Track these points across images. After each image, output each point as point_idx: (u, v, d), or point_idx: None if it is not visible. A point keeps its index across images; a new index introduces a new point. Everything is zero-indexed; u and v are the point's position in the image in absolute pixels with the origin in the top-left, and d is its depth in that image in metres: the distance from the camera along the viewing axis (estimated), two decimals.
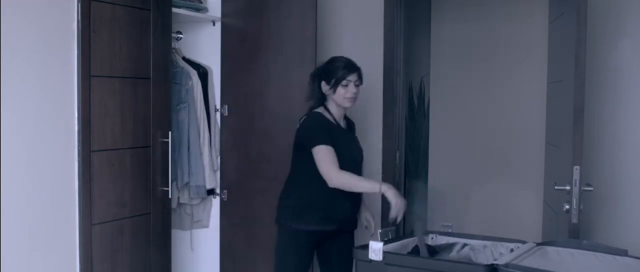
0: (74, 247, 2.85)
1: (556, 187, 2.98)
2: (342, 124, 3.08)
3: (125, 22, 2.98)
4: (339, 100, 2.99)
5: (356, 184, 2.89)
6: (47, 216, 2.76)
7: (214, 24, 3.79)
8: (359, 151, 3.13)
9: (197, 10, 3.64)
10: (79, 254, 2.85)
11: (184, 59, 3.68)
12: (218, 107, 3.82)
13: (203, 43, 3.85)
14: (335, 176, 2.85)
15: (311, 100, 3.05)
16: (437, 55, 5.34)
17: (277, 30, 3.59)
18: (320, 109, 3.02)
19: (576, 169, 2.82)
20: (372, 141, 3.95)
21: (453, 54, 4.98)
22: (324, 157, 2.87)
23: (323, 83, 3.00)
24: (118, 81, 2.97)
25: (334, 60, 3.05)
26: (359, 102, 3.99)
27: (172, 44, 3.45)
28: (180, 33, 3.69)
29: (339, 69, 2.98)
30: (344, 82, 2.96)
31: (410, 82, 4.85)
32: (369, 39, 3.94)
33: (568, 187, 2.87)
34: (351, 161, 3.00)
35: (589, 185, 2.86)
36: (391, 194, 2.80)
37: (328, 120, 3.00)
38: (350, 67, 3.00)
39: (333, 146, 2.89)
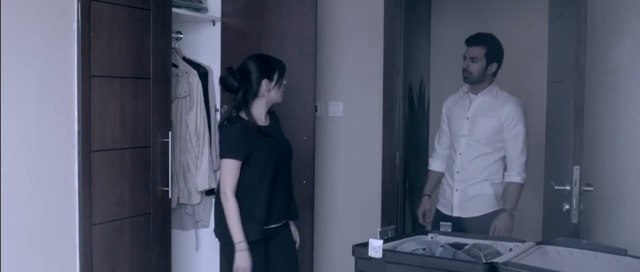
0: (74, 247, 2.85)
1: (556, 187, 2.98)
2: (266, 121, 3.03)
3: (125, 22, 2.98)
4: (277, 96, 2.99)
5: (231, 220, 2.86)
6: (47, 216, 2.76)
7: (214, 24, 3.79)
8: (287, 144, 3.10)
9: (197, 10, 3.64)
10: (79, 254, 2.85)
11: (184, 59, 3.69)
12: (218, 107, 3.82)
13: (203, 43, 3.86)
14: (230, 197, 2.86)
15: (238, 104, 2.96)
16: (437, 55, 5.35)
17: (277, 30, 3.59)
18: (242, 114, 2.95)
19: (576, 169, 2.82)
20: (372, 141, 3.96)
21: (453, 54, 4.98)
22: (229, 173, 2.86)
23: (265, 81, 2.94)
24: (118, 81, 2.97)
25: (263, 58, 3.02)
26: (360, 101, 4.02)
27: (172, 44, 3.45)
28: (180, 33, 3.69)
29: (279, 66, 2.99)
30: (283, 78, 3.00)
31: (410, 82, 4.85)
32: (369, 39, 3.95)
33: (568, 187, 2.87)
34: (281, 157, 3.02)
35: (589, 185, 2.85)
36: (238, 256, 2.84)
37: (249, 124, 2.93)
38: (283, 65, 3.02)
39: (248, 155, 2.88)
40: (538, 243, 2.61)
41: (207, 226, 3.86)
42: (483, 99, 3.40)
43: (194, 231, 3.88)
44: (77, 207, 2.84)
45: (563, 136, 3.14)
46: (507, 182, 3.34)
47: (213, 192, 3.81)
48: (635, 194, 3.28)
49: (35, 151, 2.71)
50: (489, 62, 3.36)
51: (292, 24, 3.54)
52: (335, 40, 3.96)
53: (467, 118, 3.41)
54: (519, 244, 2.60)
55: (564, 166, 3.00)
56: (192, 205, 3.76)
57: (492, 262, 2.31)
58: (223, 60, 3.78)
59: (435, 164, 3.63)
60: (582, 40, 2.84)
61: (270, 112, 3.09)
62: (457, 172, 3.41)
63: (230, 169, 2.87)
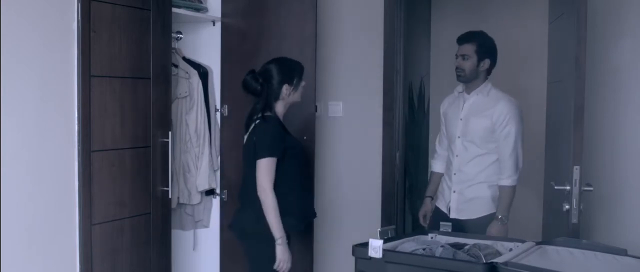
0: (74, 247, 2.85)
1: (556, 187, 2.98)
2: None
3: (125, 22, 2.98)
4: (296, 97, 3.07)
5: (271, 214, 2.91)
6: (47, 216, 2.76)
7: (214, 24, 3.79)
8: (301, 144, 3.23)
9: (197, 10, 3.64)
10: (79, 254, 2.85)
11: (184, 59, 3.69)
12: (218, 107, 3.82)
13: (203, 43, 3.86)
14: (270, 193, 2.89)
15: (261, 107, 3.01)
16: (437, 55, 5.35)
17: (277, 30, 3.59)
18: (273, 114, 3.02)
19: (576, 169, 2.82)
20: (372, 140, 3.96)
21: (453, 54, 4.98)
22: (268, 170, 2.90)
23: (286, 86, 3.01)
24: (118, 81, 2.97)
25: (283, 62, 3.06)
26: (360, 101, 4.02)
27: (172, 44, 3.45)
28: (180, 33, 3.70)
29: (297, 69, 3.05)
30: (303, 81, 3.07)
31: (410, 82, 4.85)
32: (369, 39, 3.95)
33: (568, 187, 2.86)
34: (304, 153, 3.18)
35: (589, 185, 2.85)
36: (280, 250, 2.91)
37: (280, 122, 3.03)
38: (300, 63, 3.08)
39: (284, 151, 2.94)
40: (538, 243, 2.61)
41: (207, 226, 3.87)
42: (476, 99, 3.35)
43: (192, 230, 3.88)
44: (77, 207, 2.84)
45: (563, 136, 3.13)
46: (499, 186, 3.29)
47: (213, 192, 3.82)
48: (635, 194, 3.28)
49: (35, 151, 2.71)
50: (480, 58, 3.32)
51: (292, 24, 3.54)
52: (335, 40, 3.96)
53: (461, 119, 3.38)
54: (519, 244, 2.60)
55: (564, 166, 3.00)
56: (192, 205, 3.76)
57: (492, 262, 2.30)
58: (223, 60, 3.78)
59: (437, 165, 3.60)
60: (582, 40, 2.84)
61: None
62: (455, 174, 3.38)
63: (270, 167, 2.91)
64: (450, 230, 2.83)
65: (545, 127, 3.83)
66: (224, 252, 3.81)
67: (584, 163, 2.87)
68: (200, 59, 3.81)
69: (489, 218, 3.29)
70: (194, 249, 3.90)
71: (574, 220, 2.83)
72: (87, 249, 2.86)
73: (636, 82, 3.28)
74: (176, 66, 3.59)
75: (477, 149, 3.32)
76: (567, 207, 2.86)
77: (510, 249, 2.55)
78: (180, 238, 3.81)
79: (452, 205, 3.38)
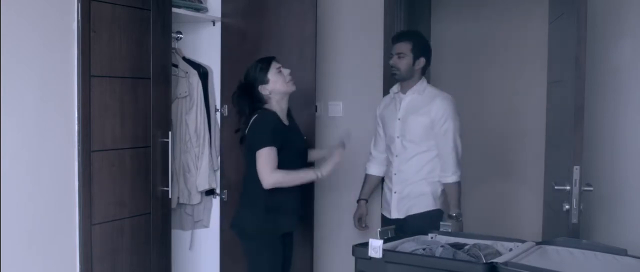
0: (74, 247, 2.85)
1: (556, 187, 2.98)
2: (286, 120, 3.09)
3: (125, 22, 2.98)
4: (284, 86, 3.02)
5: (293, 182, 2.93)
6: (47, 216, 2.76)
7: (214, 24, 3.80)
8: (305, 141, 3.20)
9: (197, 10, 3.64)
10: (79, 254, 2.86)
11: (184, 59, 3.69)
12: (218, 107, 3.82)
13: (203, 43, 3.86)
14: (272, 179, 2.89)
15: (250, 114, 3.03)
16: (437, 55, 5.33)
17: (277, 30, 3.59)
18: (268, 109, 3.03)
19: (576, 169, 2.82)
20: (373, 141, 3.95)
21: (453, 54, 4.99)
22: (268, 161, 2.89)
23: (261, 87, 3.00)
24: (118, 81, 2.97)
25: (249, 68, 3.07)
26: (360, 101, 4.01)
27: (172, 44, 3.45)
28: (180, 33, 3.70)
29: (261, 66, 3.03)
30: (275, 70, 3.02)
31: None
32: (369, 39, 3.95)
33: (568, 187, 2.87)
34: (302, 153, 3.14)
35: (589, 185, 2.85)
36: (328, 170, 2.99)
37: (277, 115, 3.01)
38: (268, 59, 3.05)
39: (281, 144, 2.93)
40: (538, 243, 2.61)
41: (207, 226, 3.87)
42: (412, 98, 3.39)
43: (190, 230, 3.88)
44: (77, 207, 2.84)
45: (563, 136, 3.14)
46: (444, 184, 3.31)
47: (213, 192, 3.82)
48: (635, 194, 3.28)
49: (35, 151, 2.71)
50: (415, 57, 3.36)
51: (292, 24, 3.54)
52: (335, 40, 3.96)
53: (399, 119, 3.40)
54: (519, 244, 2.60)
55: (564, 166, 3.00)
56: (192, 205, 3.76)
57: (492, 262, 2.31)
58: (223, 60, 3.78)
59: (372, 168, 3.62)
60: (582, 40, 2.84)
61: (288, 111, 3.15)
62: (395, 174, 3.41)
63: (268, 156, 2.90)
64: (449, 230, 2.84)
65: (545, 127, 3.83)
66: (224, 252, 3.81)
67: (584, 163, 2.87)
68: (200, 59, 3.81)
69: (431, 214, 3.30)
70: (190, 248, 3.90)
71: (574, 220, 2.83)
72: (87, 249, 2.86)
73: (636, 82, 3.28)
74: (176, 66, 3.59)
75: (417, 147, 3.34)
76: (567, 207, 2.86)
77: (510, 249, 2.55)
78: (180, 238, 3.81)
79: (392, 205, 3.41)
